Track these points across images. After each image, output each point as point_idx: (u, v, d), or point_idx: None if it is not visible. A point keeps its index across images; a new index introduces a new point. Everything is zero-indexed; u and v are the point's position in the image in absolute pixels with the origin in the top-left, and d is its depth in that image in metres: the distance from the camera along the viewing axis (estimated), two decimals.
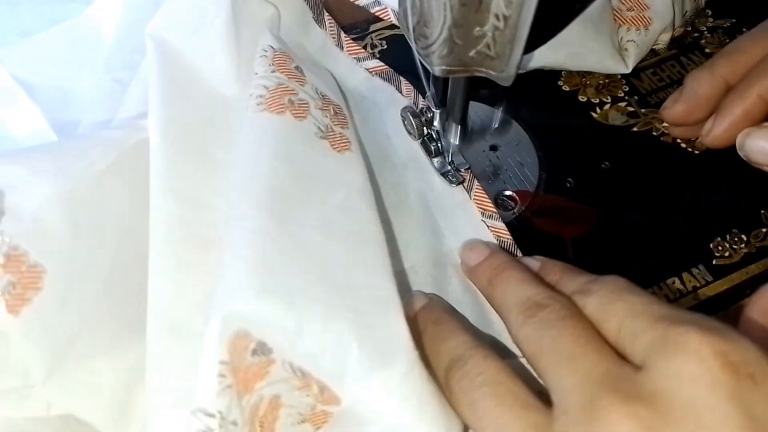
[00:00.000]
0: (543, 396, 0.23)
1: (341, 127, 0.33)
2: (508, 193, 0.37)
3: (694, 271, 0.35)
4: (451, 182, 0.36)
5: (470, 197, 0.35)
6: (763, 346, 0.21)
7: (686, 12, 0.43)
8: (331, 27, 0.41)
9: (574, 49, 0.39)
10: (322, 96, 0.33)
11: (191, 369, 0.26)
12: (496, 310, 0.29)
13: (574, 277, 0.27)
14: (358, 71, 0.41)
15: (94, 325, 0.27)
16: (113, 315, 0.28)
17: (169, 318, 0.27)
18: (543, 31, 0.26)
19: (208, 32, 0.33)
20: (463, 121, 0.33)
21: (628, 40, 0.41)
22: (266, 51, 0.33)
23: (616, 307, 0.24)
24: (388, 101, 0.39)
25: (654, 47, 0.43)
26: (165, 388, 0.27)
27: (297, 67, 0.33)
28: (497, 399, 0.23)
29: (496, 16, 0.24)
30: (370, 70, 0.41)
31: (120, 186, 0.29)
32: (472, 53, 0.26)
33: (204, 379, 0.24)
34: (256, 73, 0.32)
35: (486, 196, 0.35)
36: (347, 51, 0.41)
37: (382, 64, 0.41)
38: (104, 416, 0.27)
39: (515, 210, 0.36)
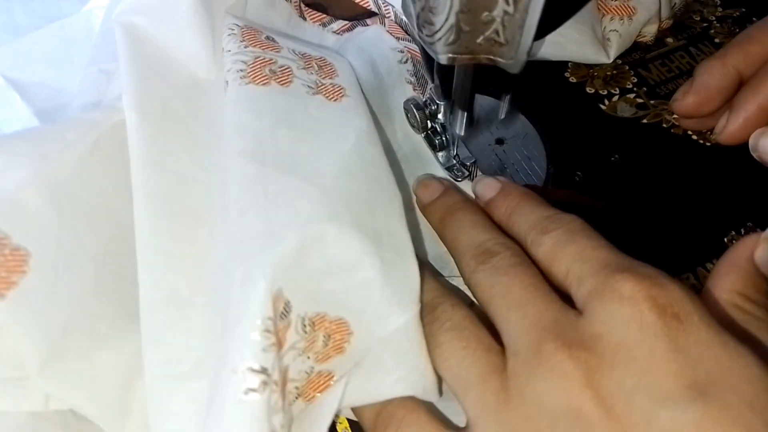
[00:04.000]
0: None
1: (330, 78, 0.32)
2: None
3: (709, 266, 0.34)
4: (456, 177, 0.35)
5: None
6: (725, 299, 0.24)
7: (674, 4, 0.42)
8: (294, 1, 0.41)
9: (555, 38, 0.39)
10: (302, 55, 0.33)
11: (196, 340, 0.26)
12: (448, 250, 0.30)
13: (533, 209, 0.28)
14: (327, 37, 0.41)
15: (88, 312, 0.26)
16: (108, 303, 0.27)
17: (167, 289, 0.27)
18: (554, 15, 0.25)
19: (174, 16, 0.32)
20: (469, 114, 0.32)
21: (611, 30, 0.40)
22: (233, 29, 0.32)
23: (568, 250, 0.25)
24: (370, 41, 0.39)
25: (640, 39, 0.42)
26: (169, 360, 0.26)
27: (268, 37, 0.33)
28: (463, 342, 0.25)
29: (506, 0, 0.23)
30: (337, 31, 0.40)
31: (103, 167, 0.28)
32: (479, 40, 0.25)
33: (248, 336, 0.23)
34: (229, 50, 0.31)
35: None
36: (310, 20, 0.41)
37: (346, 22, 0.40)
38: (102, 410, 0.27)
39: None
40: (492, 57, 0.26)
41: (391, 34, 0.39)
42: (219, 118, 0.31)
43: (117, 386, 0.27)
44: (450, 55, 0.26)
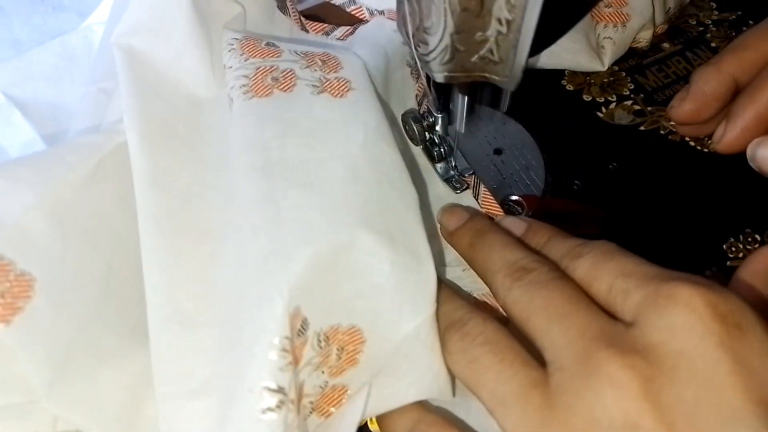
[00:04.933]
0: (536, 357, 0.24)
1: (335, 72, 0.32)
2: (514, 198, 0.36)
3: (708, 273, 0.34)
4: (455, 188, 0.35)
5: (479, 204, 0.34)
6: (752, 306, 0.22)
7: (669, 9, 0.42)
8: (294, 13, 0.41)
9: (549, 47, 0.39)
10: (304, 54, 0.32)
11: (205, 357, 0.26)
12: (478, 274, 0.29)
13: (563, 240, 0.27)
14: (331, 45, 0.40)
15: (93, 333, 0.27)
16: (114, 323, 0.27)
17: (172, 307, 0.27)
18: (548, 33, 0.25)
19: (171, 35, 0.32)
20: (467, 125, 0.32)
21: (605, 37, 0.41)
22: (232, 44, 0.32)
23: (607, 267, 0.24)
24: (373, 30, 0.39)
25: (636, 45, 0.42)
26: (178, 377, 0.26)
27: (268, 44, 0.32)
28: (499, 356, 0.24)
29: (499, 21, 0.24)
30: (340, 38, 0.40)
31: (106, 190, 0.29)
32: (474, 59, 0.25)
33: (265, 356, 0.23)
34: (231, 67, 0.31)
35: (494, 201, 0.34)
36: (312, 31, 0.41)
37: (348, 27, 0.40)
38: (108, 429, 0.27)
39: (522, 215, 0.35)
40: (487, 75, 0.26)
41: (392, 19, 0.39)
42: (221, 134, 0.31)
43: (122, 406, 0.27)
44: (445, 73, 0.26)
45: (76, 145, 0.30)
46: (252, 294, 0.25)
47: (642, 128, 0.39)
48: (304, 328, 0.24)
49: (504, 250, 0.27)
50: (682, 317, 0.21)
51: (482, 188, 0.35)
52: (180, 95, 0.32)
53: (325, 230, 0.25)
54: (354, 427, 0.25)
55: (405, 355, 0.26)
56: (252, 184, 0.27)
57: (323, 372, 0.25)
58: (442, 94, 0.32)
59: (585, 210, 0.36)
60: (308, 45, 0.34)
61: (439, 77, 0.26)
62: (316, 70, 0.31)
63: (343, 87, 0.31)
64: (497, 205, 0.34)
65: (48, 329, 0.25)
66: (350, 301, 0.25)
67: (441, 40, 0.25)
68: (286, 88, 0.30)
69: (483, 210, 0.34)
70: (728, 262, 0.34)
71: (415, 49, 0.26)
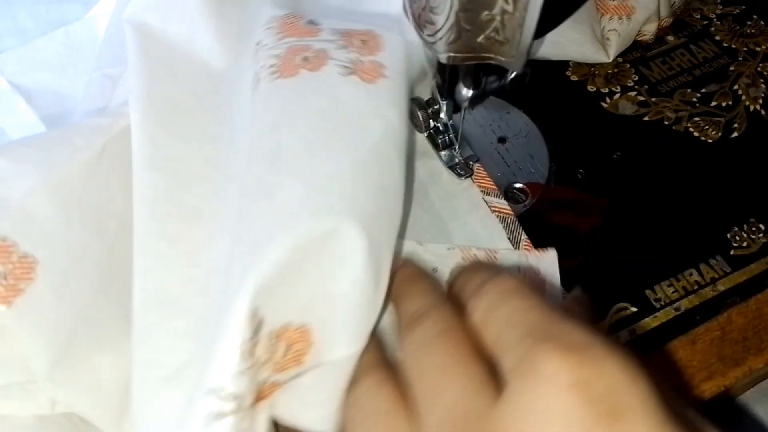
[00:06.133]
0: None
1: (371, 55, 0.30)
2: (518, 185, 0.36)
3: (712, 262, 0.34)
4: (459, 175, 0.35)
5: (472, 180, 0.35)
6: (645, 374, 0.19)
7: (674, 2, 0.42)
8: None
9: (554, 38, 0.39)
10: (343, 33, 0.30)
11: (181, 343, 0.26)
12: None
13: (474, 276, 0.25)
14: None
15: (93, 317, 0.26)
16: (112, 306, 0.27)
17: (157, 291, 0.27)
18: (553, 14, 0.25)
19: (184, 9, 0.32)
20: (471, 112, 0.32)
21: (610, 30, 0.41)
22: (272, 23, 0.31)
23: (498, 314, 0.22)
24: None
25: (640, 38, 0.42)
26: (153, 362, 0.26)
27: (310, 22, 0.31)
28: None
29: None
30: None
31: (111, 173, 0.28)
32: (480, 38, 0.25)
33: (225, 358, 0.22)
34: (265, 45, 0.30)
35: (486, 174, 0.34)
36: None
37: None
38: (104, 414, 0.27)
39: (526, 203, 0.35)
40: (492, 55, 0.26)
41: None
42: (235, 113, 0.31)
43: (118, 390, 0.27)
44: (451, 54, 0.26)
45: (82, 127, 0.29)
46: (228, 290, 0.24)
47: (646, 119, 0.39)
48: (258, 329, 0.23)
49: (414, 297, 0.26)
50: (545, 400, 0.18)
51: (476, 166, 0.35)
52: (192, 70, 0.32)
53: (307, 217, 0.24)
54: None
55: (319, 377, 0.25)
56: (253, 171, 0.27)
57: (267, 368, 0.24)
58: (448, 80, 0.32)
59: (588, 199, 0.36)
60: (355, 20, 0.32)
61: (444, 57, 0.26)
62: (351, 51, 0.30)
63: (375, 72, 0.29)
64: (489, 179, 0.34)
65: (49, 312, 0.25)
66: (309, 301, 0.24)
67: (447, 19, 0.25)
68: (315, 67, 0.29)
69: (476, 185, 0.34)
70: (732, 251, 0.34)
71: (421, 29, 0.26)
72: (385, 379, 0.24)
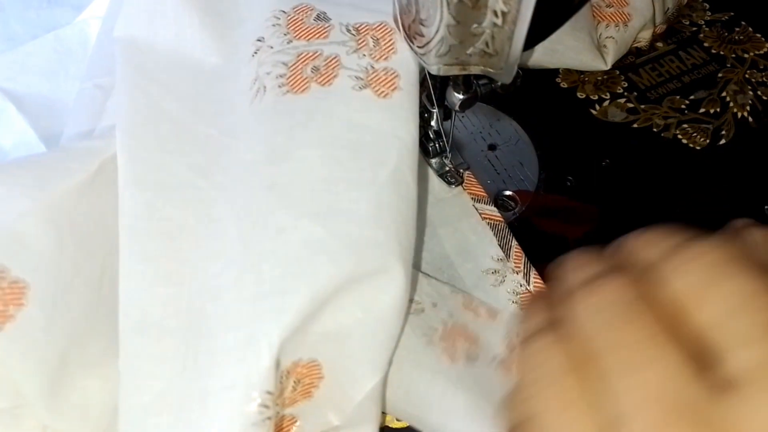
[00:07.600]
0: None
1: (385, 60, 0.29)
2: (508, 193, 0.36)
3: None
4: (450, 183, 0.35)
5: (462, 188, 0.35)
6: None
7: (668, 9, 0.43)
8: None
9: (552, 46, 0.39)
10: (356, 30, 0.29)
11: (160, 368, 0.26)
12: None
13: (656, 239, 0.20)
14: None
15: (83, 339, 0.26)
16: (102, 328, 0.27)
17: (139, 313, 0.26)
18: (543, 26, 0.25)
19: (165, 11, 0.32)
20: (461, 119, 0.32)
21: (607, 37, 0.41)
22: (278, 18, 0.30)
23: (718, 293, 0.17)
24: None
25: (636, 45, 0.43)
26: (137, 387, 0.26)
27: (319, 16, 0.30)
28: None
29: (494, 13, 0.24)
30: None
31: (104, 196, 0.28)
32: (470, 51, 0.25)
33: (242, 408, 0.23)
34: (271, 47, 0.29)
35: (476, 181, 0.34)
36: None
37: None
38: None
39: (516, 210, 0.36)
40: (482, 67, 0.26)
41: None
42: (227, 108, 0.30)
43: (106, 415, 0.27)
44: (441, 65, 0.26)
45: (77, 149, 0.29)
46: (239, 331, 0.24)
47: (635, 126, 0.39)
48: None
49: (585, 266, 0.21)
50: None
51: (467, 174, 0.35)
52: (181, 76, 0.31)
53: (326, 278, 0.24)
54: None
55: (361, 414, 0.26)
56: (258, 200, 0.26)
57: (276, 404, 0.24)
58: (438, 87, 0.32)
59: (577, 206, 0.36)
60: (367, 8, 0.31)
61: (435, 69, 0.27)
62: (364, 55, 0.28)
63: (390, 84, 0.28)
64: (480, 187, 0.34)
65: (39, 337, 0.25)
66: (321, 337, 0.25)
67: (437, 32, 0.25)
68: (326, 81, 0.28)
69: (466, 192, 0.34)
70: None
71: (411, 40, 0.27)
72: (560, 341, 0.20)
